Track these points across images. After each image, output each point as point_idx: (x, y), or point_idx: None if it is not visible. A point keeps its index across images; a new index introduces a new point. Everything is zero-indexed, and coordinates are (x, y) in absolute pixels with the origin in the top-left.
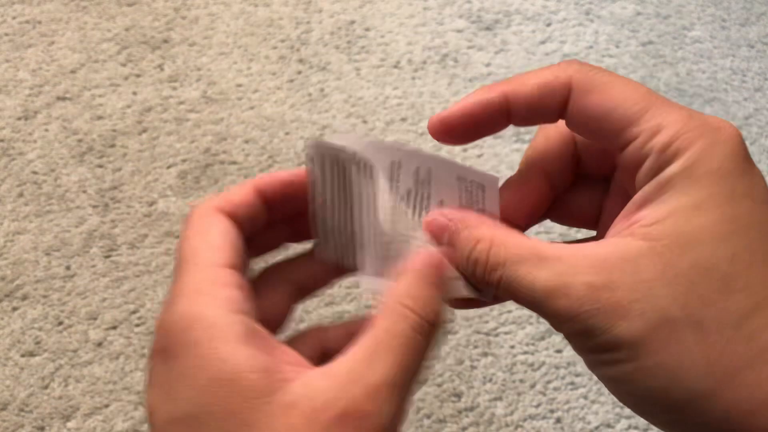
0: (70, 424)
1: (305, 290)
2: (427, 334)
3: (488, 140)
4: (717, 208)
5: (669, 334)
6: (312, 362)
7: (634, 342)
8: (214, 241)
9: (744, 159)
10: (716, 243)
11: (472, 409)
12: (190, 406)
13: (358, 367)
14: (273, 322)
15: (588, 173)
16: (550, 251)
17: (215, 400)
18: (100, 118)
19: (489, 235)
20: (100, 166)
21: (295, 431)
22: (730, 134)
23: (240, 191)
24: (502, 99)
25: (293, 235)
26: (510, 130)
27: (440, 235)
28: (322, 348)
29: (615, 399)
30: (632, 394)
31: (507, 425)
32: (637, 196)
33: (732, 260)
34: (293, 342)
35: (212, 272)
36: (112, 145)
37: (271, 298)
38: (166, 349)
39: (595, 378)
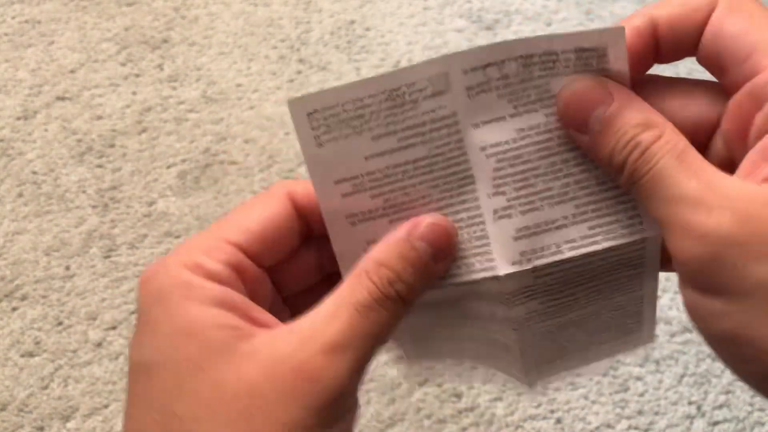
0: (69, 425)
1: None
2: (389, 308)
3: None
4: None
5: None
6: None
7: None
8: (245, 218)
9: None
10: None
11: (472, 409)
12: (152, 353)
13: (319, 325)
14: (297, 282)
15: None
16: (711, 170)
17: (176, 348)
18: (99, 118)
19: (663, 126)
20: (100, 166)
21: (251, 380)
22: None
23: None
24: (649, 26)
25: None
26: None
27: (589, 108)
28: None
29: (615, 399)
30: (758, 361)
31: (507, 425)
32: (763, 145)
33: None
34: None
35: (214, 244)
36: (112, 145)
37: (296, 260)
38: (144, 300)
39: (595, 378)
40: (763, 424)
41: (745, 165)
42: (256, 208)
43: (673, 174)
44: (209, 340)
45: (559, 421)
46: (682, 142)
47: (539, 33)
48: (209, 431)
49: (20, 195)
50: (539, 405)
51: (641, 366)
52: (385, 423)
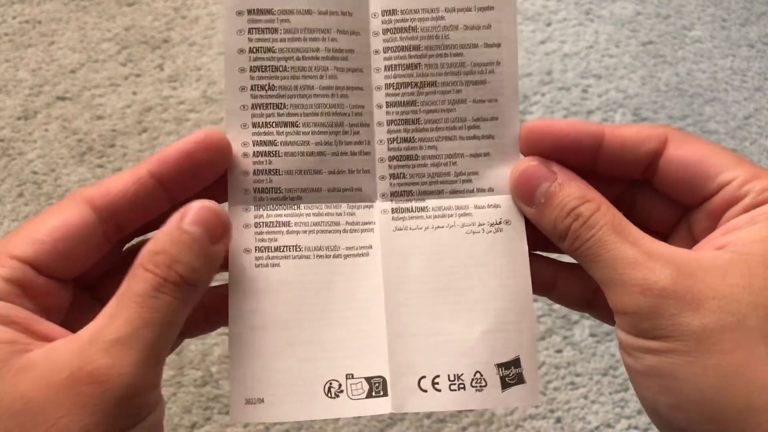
0: None
1: None
2: (171, 292)
3: None
4: None
5: (739, 339)
6: None
7: (700, 335)
8: (35, 230)
9: None
10: None
11: (472, 408)
12: None
13: (97, 329)
14: None
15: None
16: (647, 237)
17: None
18: (100, 118)
19: (600, 200)
20: (100, 166)
21: (26, 395)
22: None
23: (126, 178)
24: (599, 129)
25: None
26: None
27: (535, 184)
28: None
29: (615, 399)
30: (675, 392)
31: (507, 425)
32: (727, 226)
33: None
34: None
35: None
36: (112, 145)
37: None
38: None
39: (595, 378)
40: None
41: (703, 241)
42: (48, 219)
43: (614, 240)
44: None
45: (558, 420)
46: (618, 215)
47: (539, 33)
48: None
49: (20, 195)
50: (539, 405)
51: None
52: (385, 423)
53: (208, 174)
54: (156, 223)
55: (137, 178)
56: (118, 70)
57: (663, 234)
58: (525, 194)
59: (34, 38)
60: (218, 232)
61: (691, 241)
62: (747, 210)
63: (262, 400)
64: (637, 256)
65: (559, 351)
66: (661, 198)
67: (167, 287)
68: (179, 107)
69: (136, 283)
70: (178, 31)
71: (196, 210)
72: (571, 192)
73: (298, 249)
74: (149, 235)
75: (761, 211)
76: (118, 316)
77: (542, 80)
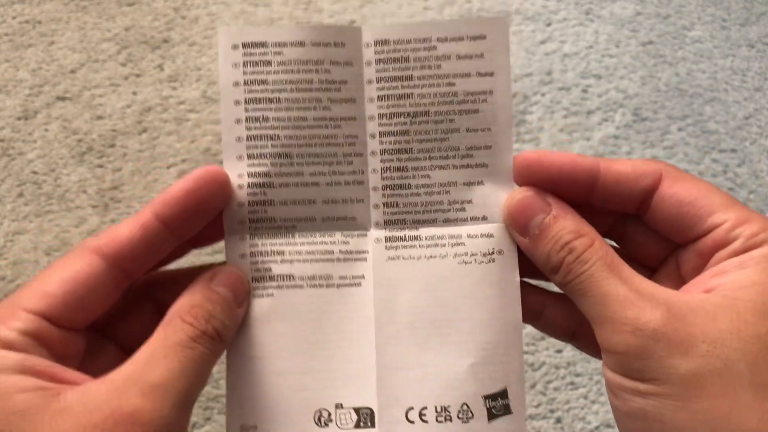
0: None
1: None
2: (206, 344)
3: None
4: None
5: (726, 385)
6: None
7: (688, 380)
8: (46, 283)
9: None
10: None
11: None
12: None
13: (134, 372)
14: (140, 340)
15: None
16: (638, 276)
17: None
18: (100, 118)
19: (594, 235)
20: (100, 166)
21: None
22: None
23: (131, 225)
24: (594, 164)
25: (198, 241)
26: None
27: (530, 215)
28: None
29: None
30: None
31: None
32: (716, 269)
33: None
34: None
35: (9, 313)
36: (112, 145)
37: (133, 319)
38: None
39: (595, 378)
40: None
41: (691, 282)
42: (58, 271)
43: (605, 277)
44: (15, 405)
45: (558, 420)
46: (611, 252)
47: (539, 33)
48: None
49: (20, 195)
50: (539, 405)
51: None
52: None
53: (211, 210)
54: (162, 264)
55: (142, 222)
56: (118, 70)
57: (651, 268)
58: (519, 225)
59: (34, 38)
60: (242, 296)
61: (678, 278)
62: (736, 254)
63: (255, 427)
64: (628, 295)
65: (559, 351)
66: (652, 233)
67: (203, 339)
68: (179, 107)
69: (175, 332)
70: (178, 31)
71: (224, 274)
72: (565, 225)
73: (291, 279)
74: (156, 272)
75: (750, 257)
76: (156, 363)
77: (542, 80)
